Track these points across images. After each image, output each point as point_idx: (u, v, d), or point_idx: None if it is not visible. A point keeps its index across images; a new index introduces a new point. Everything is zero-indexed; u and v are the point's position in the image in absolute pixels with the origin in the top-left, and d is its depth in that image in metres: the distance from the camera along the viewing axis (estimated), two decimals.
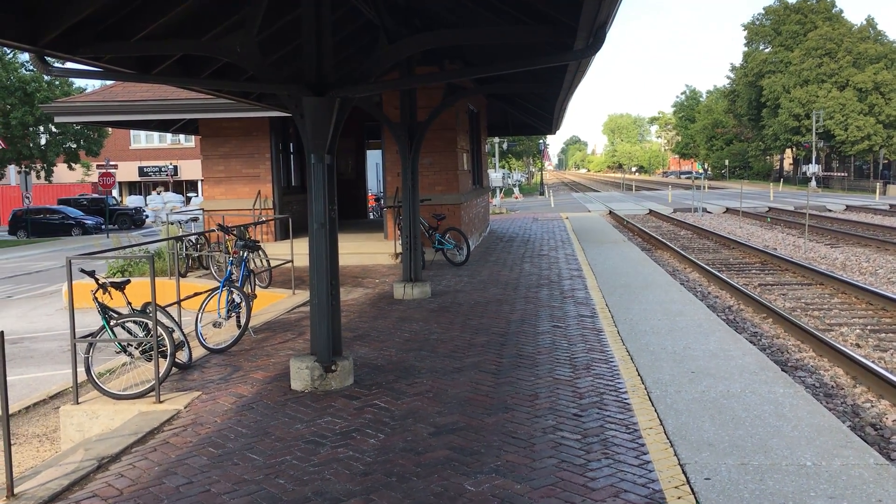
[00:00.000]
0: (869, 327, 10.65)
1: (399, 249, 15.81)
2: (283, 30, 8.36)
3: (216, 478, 5.03)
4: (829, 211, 35.87)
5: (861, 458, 4.96)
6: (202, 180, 18.95)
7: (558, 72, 10.68)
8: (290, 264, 12.81)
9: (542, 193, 61.41)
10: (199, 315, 8.88)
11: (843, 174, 70.09)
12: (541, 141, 69.42)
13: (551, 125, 23.39)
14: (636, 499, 4.49)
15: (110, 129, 45.94)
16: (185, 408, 6.58)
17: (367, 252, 16.11)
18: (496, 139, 52.45)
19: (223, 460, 5.35)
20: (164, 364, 6.93)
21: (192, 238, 15.95)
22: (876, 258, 18.25)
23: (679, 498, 4.48)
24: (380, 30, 8.45)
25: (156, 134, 57.62)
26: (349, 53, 9.92)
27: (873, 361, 8.52)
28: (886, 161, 65.37)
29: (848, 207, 37.91)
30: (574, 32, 6.45)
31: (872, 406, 7.41)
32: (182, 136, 56.15)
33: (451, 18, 10.22)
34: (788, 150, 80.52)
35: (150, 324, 6.89)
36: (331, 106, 6.81)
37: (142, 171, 60.14)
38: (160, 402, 6.68)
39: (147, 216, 44.79)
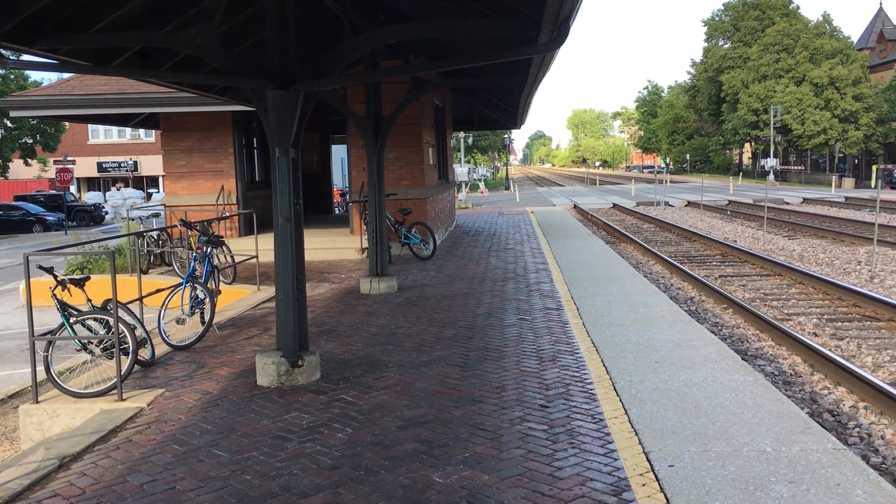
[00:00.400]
0: (826, 316, 10.88)
1: (365, 244, 15.77)
2: (245, 22, 8.28)
3: (181, 475, 4.98)
4: (787, 204, 36.49)
5: (819, 443, 5.07)
6: (163, 176, 18.70)
7: (523, 65, 10.72)
8: (254, 260, 12.70)
9: (507, 188, 61.59)
10: (162, 312, 8.77)
11: (800, 168, 71.33)
12: (506, 136, 69.64)
13: (516, 120, 23.47)
14: (602, 486, 4.55)
15: (67, 123, 45.09)
16: (148, 405, 6.50)
17: (333, 247, 16.04)
18: (461, 134, 52.50)
19: (188, 457, 5.30)
20: (125, 361, 6.83)
21: (154, 234, 15.74)
22: (832, 249, 18.63)
23: (643, 485, 4.54)
24: (344, 23, 8.40)
25: (115, 129, 56.63)
26: (313, 47, 9.86)
27: (830, 350, 8.71)
28: (842, 155, 66.68)
29: (805, 200, 38.61)
30: (538, 26, 6.49)
31: (830, 393, 7.57)
32: (142, 131, 55.20)
33: (415, 12, 10.21)
34: (747, 145, 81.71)
35: (112, 321, 6.80)
36: (295, 99, 6.76)
37: (101, 167, 59.04)
38: (122, 399, 6.59)
39: (107, 212, 44.02)
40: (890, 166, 52.85)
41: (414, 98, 11.76)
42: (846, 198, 39.04)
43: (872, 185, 49.07)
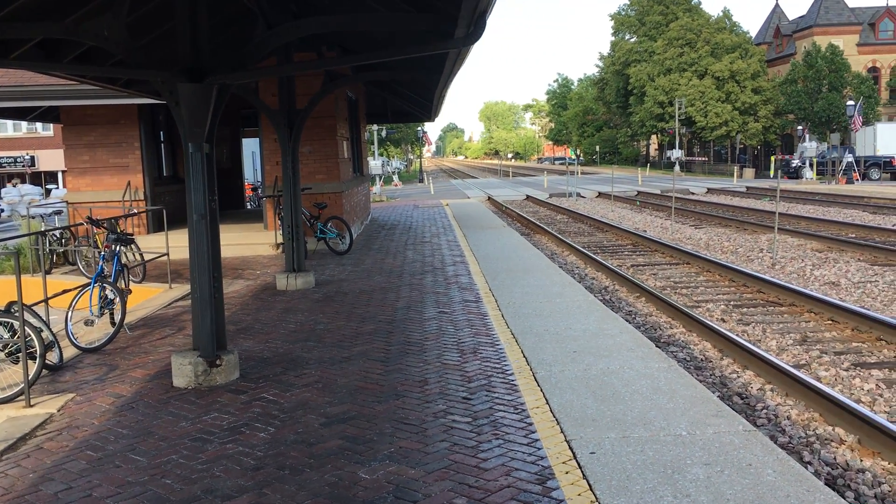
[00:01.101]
0: (732, 303, 11.33)
1: (280, 239, 15.54)
2: (154, 11, 8.00)
3: (97, 482, 4.82)
4: (693, 194, 37.77)
5: (731, 425, 5.29)
6: (65, 171, 17.94)
7: (439, 59, 10.74)
8: (164, 257, 12.35)
9: (421, 181, 61.67)
10: (70, 313, 8.44)
11: (703, 159, 73.95)
12: (419, 128, 69.67)
13: (430, 112, 23.50)
14: (527, 476, 4.62)
15: None
16: (58, 411, 6.26)
17: (246, 243, 15.74)
18: (375, 127, 52.23)
19: (104, 463, 5.12)
20: (33, 366, 6.55)
21: (57, 232, 15.10)
22: (736, 237, 19.39)
23: (567, 473, 4.65)
24: (258, 15, 8.24)
25: (9, 122, 53.96)
26: (225, 38, 9.63)
27: (737, 335, 9.07)
28: (742, 146, 69.41)
29: (709, 190, 40.04)
30: (455, 20, 6.51)
31: (738, 377, 7.89)
32: (39, 125, 52.79)
33: (329, 4, 10.08)
34: (654, 136, 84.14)
35: (16, 324, 6.51)
36: (209, 93, 6.60)
37: None
38: (31, 406, 6.32)
39: (2, 210, 41.95)
40: (787, 156, 55.36)
41: (328, 91, 11.64)
42: (747, 187, 40.68)
43: (771, 175, 51.29)
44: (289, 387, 6.64)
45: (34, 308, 7.48)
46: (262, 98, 13.03)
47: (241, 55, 6.86)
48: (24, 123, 52.27)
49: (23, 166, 54.64)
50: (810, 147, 49.26)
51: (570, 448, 5.01)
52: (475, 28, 6.64)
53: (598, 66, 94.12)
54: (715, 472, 4.53)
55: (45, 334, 7.10)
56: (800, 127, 59.17)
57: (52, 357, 7.39)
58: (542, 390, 6.24)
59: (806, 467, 5.50)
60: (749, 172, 56.27)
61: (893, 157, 44.67)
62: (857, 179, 42.22)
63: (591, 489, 4.40)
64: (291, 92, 11.28)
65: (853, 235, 18.72)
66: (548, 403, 5.91)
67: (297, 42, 11.16)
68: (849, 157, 43.20)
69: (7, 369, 6.89)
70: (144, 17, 8.02)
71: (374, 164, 43.83)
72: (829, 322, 9.91)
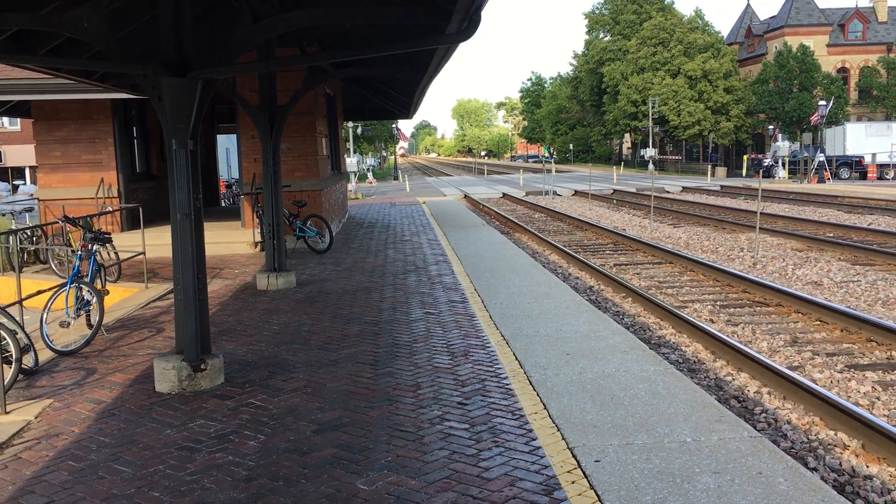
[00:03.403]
0: (719, 303, 11.27)
1: (259, 238, 15.25)
2: (134, 1, 7.73)
3: (81, 494, 4.58)
4: (668, 192, 37.92)
5: (735, 431, 5.17)
6: (36, 167, 17.48)
7: (425, 55, 10.55)
8: (140, 256, 12.04)
9: (396, 178, 61.31)
10: (45, 315, 8.14)
11: (676, 157, 74.40)
12: (393, 126, 69.33)
13: (409, 109, 23.31)
14: (532, 486, 4.47)
15: None
16: (36, 418, 5.99)
17: (224, 241, 15.43)
18: (350, 123, 51.84)
19: (87, 474, 4.88)
20: (8, 371, 6.29)
21: (28, 231, 14.69)
22: (715, 236, 19.43)
23: (573, 483, 4.50)
24: (244, 6, 7.99)
25: None
26: (209, 30, 9.35)
27: (728, 336, 8.99)
28: (715, 145, 69.96)
29: (684, 189, 40.25)
30: (449, 15, 6.34)
31: (734, 379, 7.80)
32: (6, 120, 51.67)
33: None
34: (627, 135, 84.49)
35: None
36: (193, 88, 6.35)
37: None
38: (6, 412, 6.05)
39: None
40: (759, 156, 55.84)
41: (310, 87, 11.40)
42: (721, 186, 40.95)
43: (744, 174, 51.72)
44: (277, 392, 6.43)
45: (8, 310, 7.19)
46: (240, 93, 12.75)
47: (226, 48, 6.63)
48: None
49: None
50: (783, 146, 49.73)
51: (574, 456, 4.87)
52: (469, 23, 6.47)
53: (571, 64, 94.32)
54: (725, 480, 4.41)
55: (21, 336, 6.82)
56: (771, 126, 59.74)
57: (28, 361, 7.11)
58: (538, 395, 6.09)
59: (812, 473, 5.40)
60: (721, 171, 56.68)
61: (862, 157, 45.22)
62: (828, 179, 42.67)
63: (599, 500, 4.25)
64: (273, 88, 11.03)
65: (832, 235, 18.83)
66: (546, 409, 5.76)
67: (276, 37, 10.91)
68: (820, 157, 43.64)
69: None
70: (124, 7, 7.74)
71: (351, 161, 43.44)
72: (818, 323, 9.88)
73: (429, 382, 6.50)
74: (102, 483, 4.74)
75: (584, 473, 4.61)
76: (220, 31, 8.75)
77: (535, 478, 4.58)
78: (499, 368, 6.85)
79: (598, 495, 4.31)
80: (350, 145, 54.77)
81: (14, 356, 6.36)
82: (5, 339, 6.31)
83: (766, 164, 50.15)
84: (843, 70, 65.87)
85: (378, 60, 12.32)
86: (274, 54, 10.70)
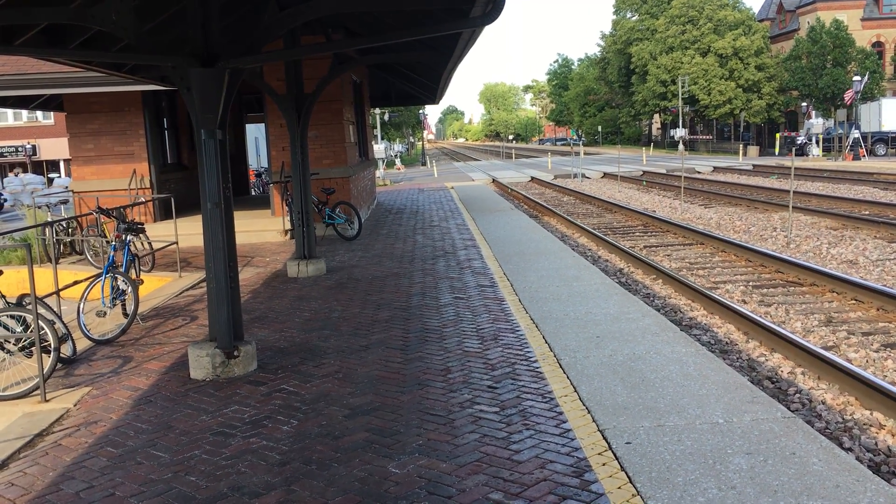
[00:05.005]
0: (751, 283, 11.15)
1: (288, 226, 15.38)
2: None
3: (120, 479, 4.68)
4: (699, 173, 37.51)
5: (769, 412, 5.14)
6: (70, 160, 17.76)
7: (450, 39, 10.52)
8: (173, 246, 12.20)
9: (423, 164, 61.33)
10: (82, 304, 8.30)
11: (707, 137, 73.48)
12: (420, 111, 69.22)
13: (435, 95, 23.26)
14: (563, 468, 4.48)
15: None
16: (75, 405, 6.12)
17: (254, 230, 15.58)
18: (377, 110, 51.86)
19: (125, 460, 4.99)
20: (47, 360, 6.42)
21: (64, 222, 14.94)
22: (747, 216, 19.20)
23: (604, 465, 4.50)
24: None
25: (10, 111, 53.61)
26: (235, 20, 9.41)
27: (761, 316, 8.90)
28: (746, 123, 68.96)
29: (715, 169, 39.75)
30: None
31: (767, 360, 7.73)
32: (40, 114, 52.46)
33: None
34: (657, 116, 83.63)
35: (29, 317, 6.36)
36: (221, 78, 6.41)
37: None
38: (46, 400, 6.19)
39: (6, 200, 41.77)
40: (792, 133, 54.96)
41: (337, 74, 11.42)
42: (754, 165, 40.40)
43: (776, 153, 50.96)
44: (308, 377, 6.50)
45: (45, 300, 7.34)
46: (267, 82, 12.81)
47: (253, 38, 6.66)
48: (24, 112, 51.98)
49: (24, 156, 54.40)
50: (817, 123, 48.87)
51: (605, 438, 4.87)
52: (493, 6, 6.44)
53: (599, 45, 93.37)
54: (758, 461, 4.39)
55: (59, 326, 6.97)
56: (804, 104, 58.68)
57: (66, 350, 7.26)
58: (568, 377, 6.09)
59: (846, 453, 5.35)
60: (753, 150, 55.87)
61: None
62: (864, 156, 41.90)
63: (630, 481, 4.26)
64: (299, 76, 11.07)
65: (867, 213, 18.51)
66: (576, 391, 5.76)
67: (302, 25, 10.94)
68: (855, 134, 42.84)
69: (21, 363, 6.76)
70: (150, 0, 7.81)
71: (378, 147, 43.50)
72: (853, 302, 9.74)
73: (459, 366, 6.53)
74: (140, 468, 4.84)
75: (615, 455, 4.61)
76: (247, 20, 8.81)
77: (565, 460, 4.59)
78: (528, 352, 6.86)
79: (629, 477, 4.31)
80: (377, 132, 54.82)
81: (52, 346, 6.49)
82: (44, 329, 6.44)
83: (799, 141, 49.36)
84: (878, 44, 64.43)
85: (403, 46, 12.30)
86: (300, 42, 10.74)
